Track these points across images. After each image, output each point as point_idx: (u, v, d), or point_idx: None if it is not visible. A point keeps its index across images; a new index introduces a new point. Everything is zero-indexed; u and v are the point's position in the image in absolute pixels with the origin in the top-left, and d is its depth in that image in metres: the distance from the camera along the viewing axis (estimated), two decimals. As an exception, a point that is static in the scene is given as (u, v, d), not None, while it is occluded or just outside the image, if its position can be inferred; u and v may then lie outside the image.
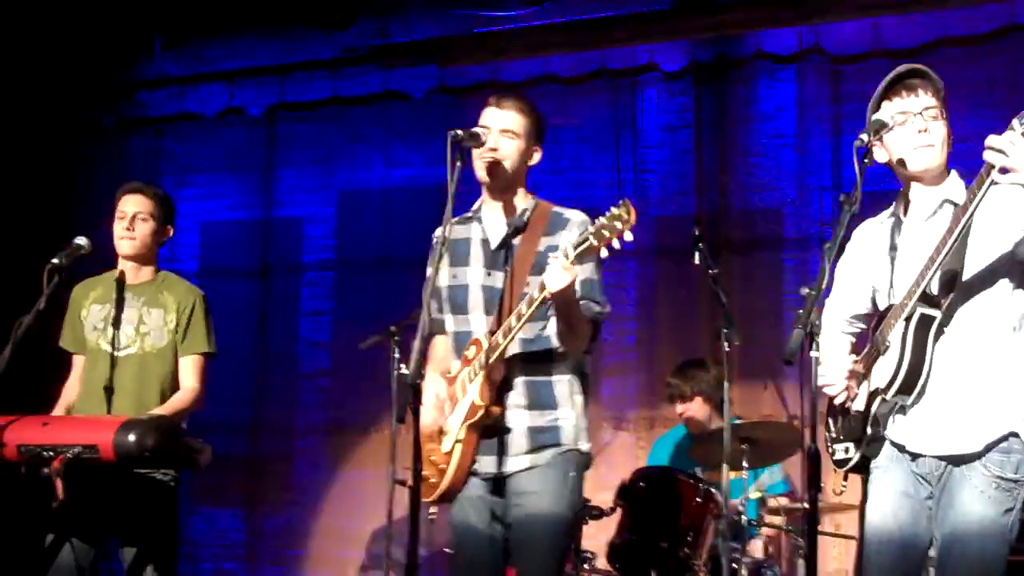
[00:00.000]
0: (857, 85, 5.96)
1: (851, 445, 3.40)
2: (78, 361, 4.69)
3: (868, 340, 3.43)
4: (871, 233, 3.48)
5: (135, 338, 4.56)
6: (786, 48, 6.40)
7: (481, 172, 3.78)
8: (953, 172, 3.38)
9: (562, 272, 3.43)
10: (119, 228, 4.57)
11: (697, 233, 4.90)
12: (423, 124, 7.16)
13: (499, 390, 3.67)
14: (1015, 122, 2.95)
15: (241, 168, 7.65)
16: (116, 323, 4.55)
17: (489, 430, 3.67)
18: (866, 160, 3.20)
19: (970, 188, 3.11)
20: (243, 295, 7.30)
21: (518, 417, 3.68)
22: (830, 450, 3.48)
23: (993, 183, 3.01)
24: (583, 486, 3.76)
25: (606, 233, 3.37)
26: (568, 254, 3.43)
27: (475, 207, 3.90)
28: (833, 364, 3.34)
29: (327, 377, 7.28)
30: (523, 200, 3.84)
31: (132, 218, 4.56)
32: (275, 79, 7.52)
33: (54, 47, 7.41)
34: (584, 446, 3.74)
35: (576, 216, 3.78)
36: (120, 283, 4.62)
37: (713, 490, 4.86)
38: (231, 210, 7.66)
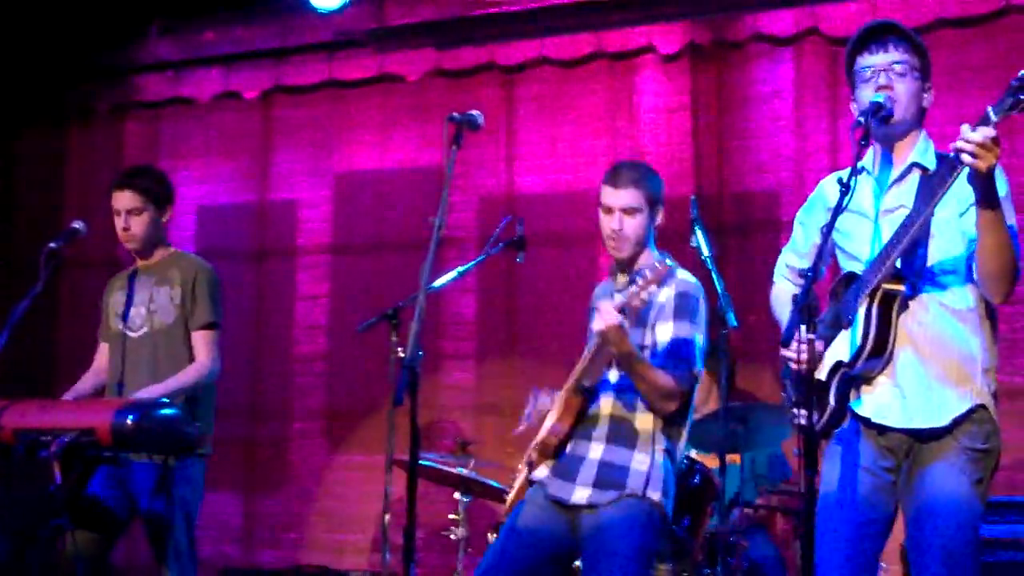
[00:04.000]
0: (855, 67, 5.94)
1: (814, 413, 3.37)
2: (102, 350, 4.77)
3: (828, 303, 3.42)
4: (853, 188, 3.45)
5: (146, 318, 4.62)
6: (784, 30, 6.37)
7: (612, 253, 3.93)
8: (923, 133, 3.36)
9: (606, 313, 3.60)
10: (117, 226, 4.71)
11: (694, 215, 4.90)
12: (420, 107, 7.15)
13: (583, 424, 3.84)
14: (989, 111, 2.90)
15: (237, 152, 7.63)
16: (127, 306, 4.62)
17: (567, 457, 3.84)
18: (863, 142, 3.19)
19: (938, 173, 3.09)
20: (239, 278, 7.29)
21: (596, 450, 3.80)
22: (789, 414, 3.44)
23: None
24: (658, 537, 3.82)
25: (655, 280, 3.60)
26: (616, 299, 3.63)
27: (613, 265, 4.07)
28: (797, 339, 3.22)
29: (324, 360, 7.28)
30: (646, 257, 3.91)
31: (126, 216, 4.62)
32: (270, 63, 7.50)
33: (50, 30, 7.40)
34: (655, 496, 3.76)
35: (681, 275, 3.90)
36: (135, 269, 4.74)
37: (710, 473, 4.86)
38: (227, 194, 7.65)
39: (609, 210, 3.88)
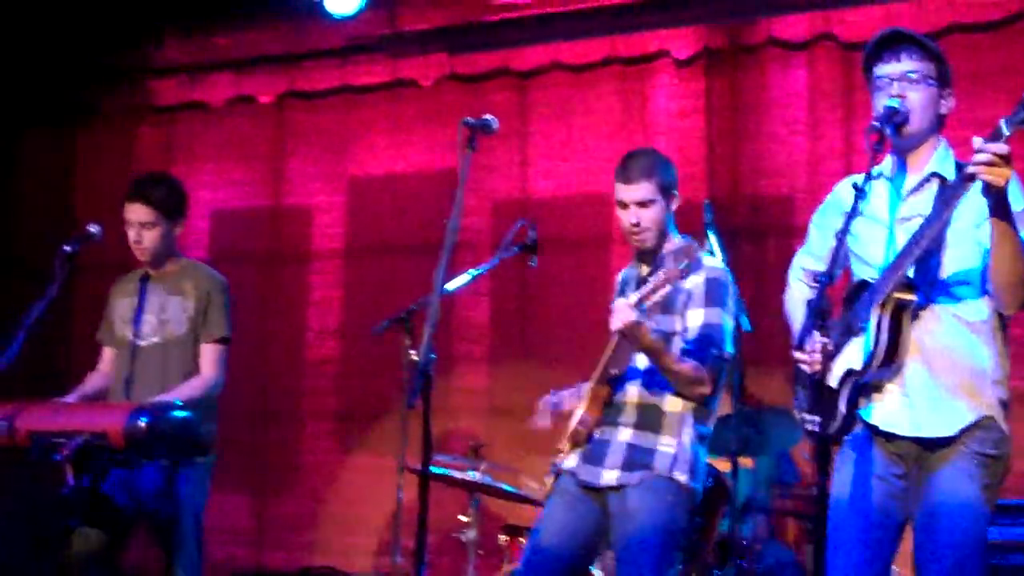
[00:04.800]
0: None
1: (824, 420, 3.32)
2: (106, 353, 4.77)
3: (841, 310, 3.41)
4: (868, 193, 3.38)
5: (157, 327, 4.63)
6: (798, 35, 6.38)
7: (636, 244, 3.95)
8: (943, 142, 3.33)
9: (621, 311, 3.61)
10: (129, 237, 4.68)
11: (708, 220, 4.90)
12: (433, 112, 7.16)
13: (610, 409, 3.88)
14: (1002, 124, 2.89)
15: (251, 156, 7.66)
16: (139, 313, 4.61)
17: (595, 443, 3.88)
18: (877, 147, 3.16)
19: (952, 184, 3.09)
20: (252, 282, 7.31)
21: (624, 434, 3.84)
22: (799, 418, 3.47)
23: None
24: (686, 517, 3.83)
25: (671, 278, 3.58)
26: (632, 300, 3.61)
27: None
28: (808, 342, 3.21)
29: (336, 364, 7.29)
30: (670, 244, 3.96)
31: (138, 229, 4.62)
32: (284, 68, 7.52)
33: (63, 33, 7.43)
34: (682, 478, 3.79)
35: (709, 262, 3.92)
36: (145, 276, 4.71)
37: (722, 476, 4.86)
38: (241, 198, 7.67)
39: (625, 205, 3.91)
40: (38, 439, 3.96)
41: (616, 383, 3.90)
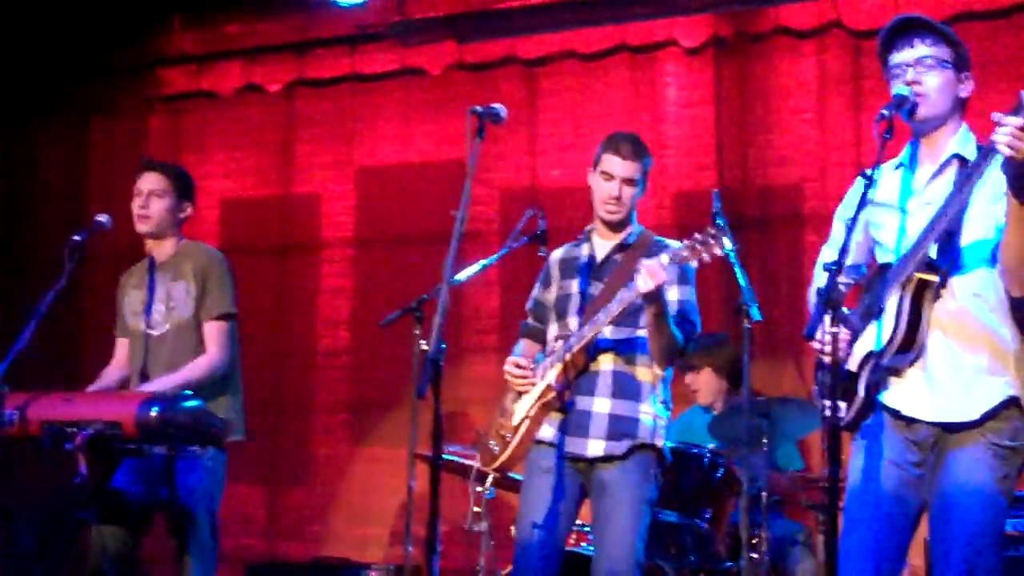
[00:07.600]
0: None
1: (842, 404, 3.30)
2: (120, 344, 4.77)
3: (862, 294, 3.40)
4: (878, 182, 3.36)
5: (166, 315, 4.62)
6: (806, 23, 6.35)
7: (607, 216, 4.16)
8: (964, 125, 3.31)
9: (656, 272, 3.75)
10: (135, 206, 4.65)
11: (717, 209, 4.88)
12: (442, 100, 7.15)
13: (583, 379, 4.04)
14: (1023, 95, 2.86)
15: (260, 145, 7.66)
16: (150, 303, 4.61)
17: (574, 413, 4.03)
18: (886, 135, 3.14)
19: (974, 162, 3.07)
20: (262, 272, 7.32)
21: (602, 404, 4.02)
22: (819, 404, 3.45)
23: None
24: (659, 476, 4.11)
25: (698, 248, 3.75)
26: (664, 260, 3.78)
27: (587, 229, 4.32)
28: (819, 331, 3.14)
29: (347, 354, 7.30)
30: (631, 227, 4.22)
31: (147, 196, 4.61)
32: (293, 56, 7.52)
33: (72, 24, 7.44)
34: (660, 442, 4.07)
35: (675, 243, 4.06)
36: (151, 265, 4.69)
37: (732, 466, 4.86)
38: (250, 188, 7.68)
39: (610, 177, 4.11)
40: (50, 429, 3.97)
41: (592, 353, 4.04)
